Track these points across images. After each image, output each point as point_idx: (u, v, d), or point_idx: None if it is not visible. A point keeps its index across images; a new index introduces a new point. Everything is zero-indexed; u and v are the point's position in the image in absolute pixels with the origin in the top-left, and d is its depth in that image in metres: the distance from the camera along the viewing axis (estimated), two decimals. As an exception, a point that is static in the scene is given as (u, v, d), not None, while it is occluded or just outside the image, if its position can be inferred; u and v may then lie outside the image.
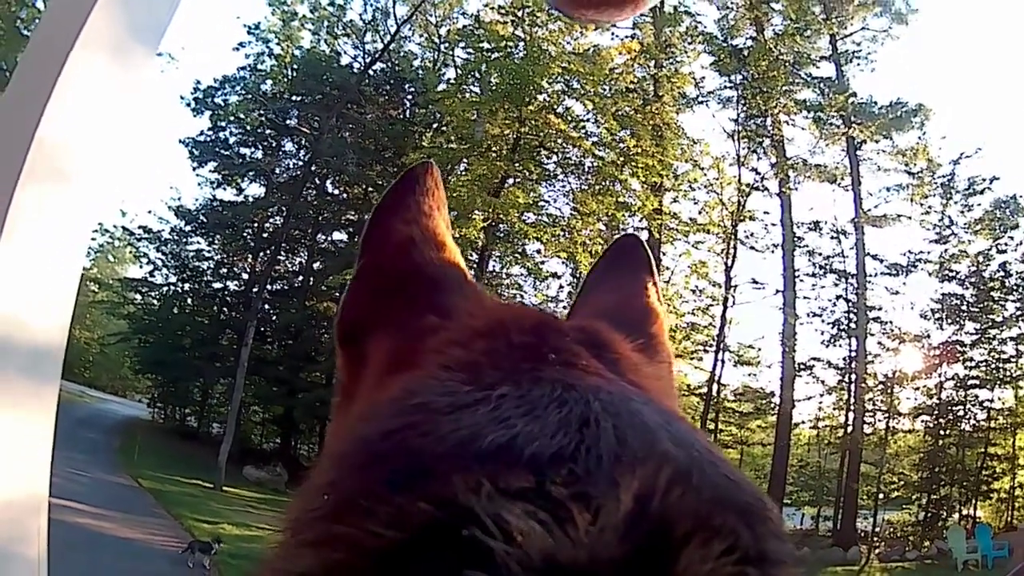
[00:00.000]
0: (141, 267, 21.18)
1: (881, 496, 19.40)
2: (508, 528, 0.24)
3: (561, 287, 16.83)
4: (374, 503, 0.27)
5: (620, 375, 0.38)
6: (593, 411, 0.30)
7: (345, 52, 19.10)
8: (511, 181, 16.30)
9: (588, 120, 17.58)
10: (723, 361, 19.07)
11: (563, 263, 16.62)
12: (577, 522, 0.25)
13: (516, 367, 0.35)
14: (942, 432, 19.47)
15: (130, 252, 22.09)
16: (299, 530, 0.30)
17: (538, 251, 16.42)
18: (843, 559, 16.76)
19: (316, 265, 18.04)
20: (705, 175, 19.20)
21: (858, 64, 22.59)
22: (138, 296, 20.96)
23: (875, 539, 18.40)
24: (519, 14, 17.67)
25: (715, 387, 18.95)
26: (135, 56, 1.50)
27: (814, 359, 20.49)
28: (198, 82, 18.54)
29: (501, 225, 16.06)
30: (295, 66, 18.59)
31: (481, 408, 0.31)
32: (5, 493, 1.35)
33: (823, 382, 20.48)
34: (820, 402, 20.93)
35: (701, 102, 20.18)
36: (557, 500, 0.26)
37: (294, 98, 18.47)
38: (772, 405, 20.34)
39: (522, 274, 16.69)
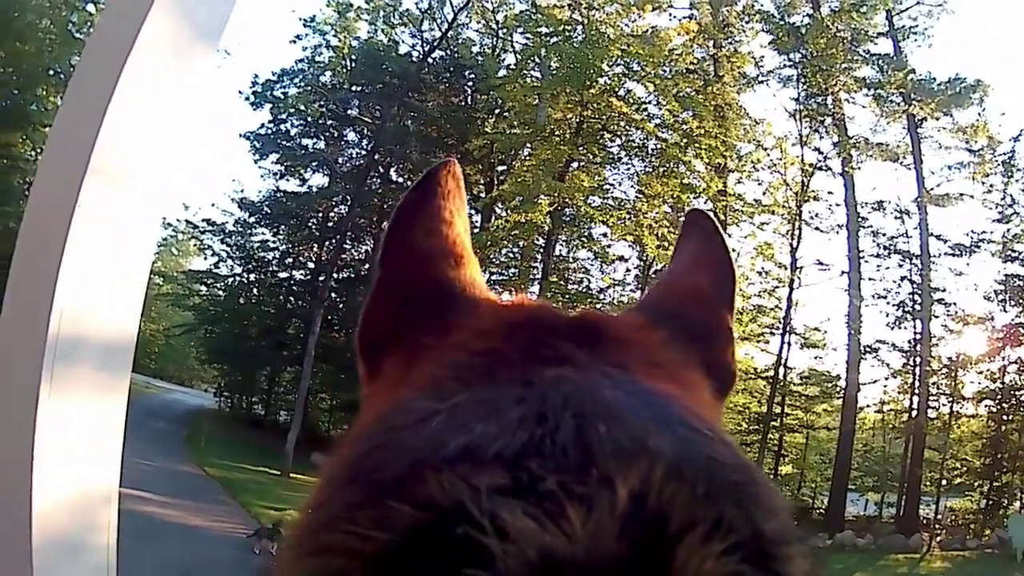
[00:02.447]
0: (206, 259, 21.73)
1: (944, 482, 18.95)
2: (503, 525, 0.24)
3: (628, 270, 16.72)
4: (358, 510, 0.28)
5: (611, 362, 0.38)
6: (550, 405, 0.31)
7: (403, 41, 19.26)
8: (575, 165, 16.20)
9: (650, 102, 17.39)
10: (789, 344, 18.77)
11: (629, 246, 16.50)
12: (571, 518, 0.25)
13: (479, 376, 0.36)
14: (1005, 417, 18.94)
15: (194, 245, 22.47)
16: (299, 544, 0.31)
17: (604, 235, 16.34)
18: (905, 546, 16.41)
19: (383, 253, 18.17)
20: (768, 155, 18.88)
21: (915, 40, 21.88)
22: (203, 288, 21.27)
23: (937, 527, 17.98)
24: (575, -3, 17.55)
25: (781, 370, 18.66)
26: (196, 54, 1.49)
27: (879, 342, 20.02)
28: (256, 76, 18.80)
29: (567, 209, 15.98)
30: (353, 57, 18.73)
31: (438, 419, 0.32)
32: (78, 485, 1.37)
33: (888, 365, 20.02)
34: (885, 386, 20.47)
35: (761, 82, 19.81)
36: (548, 495, 0.25)
37: (354, 88, 18.60)
38: (838, 388, 19.99)
39: (588, 258, 16.64)
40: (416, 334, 0.43)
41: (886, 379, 20.01)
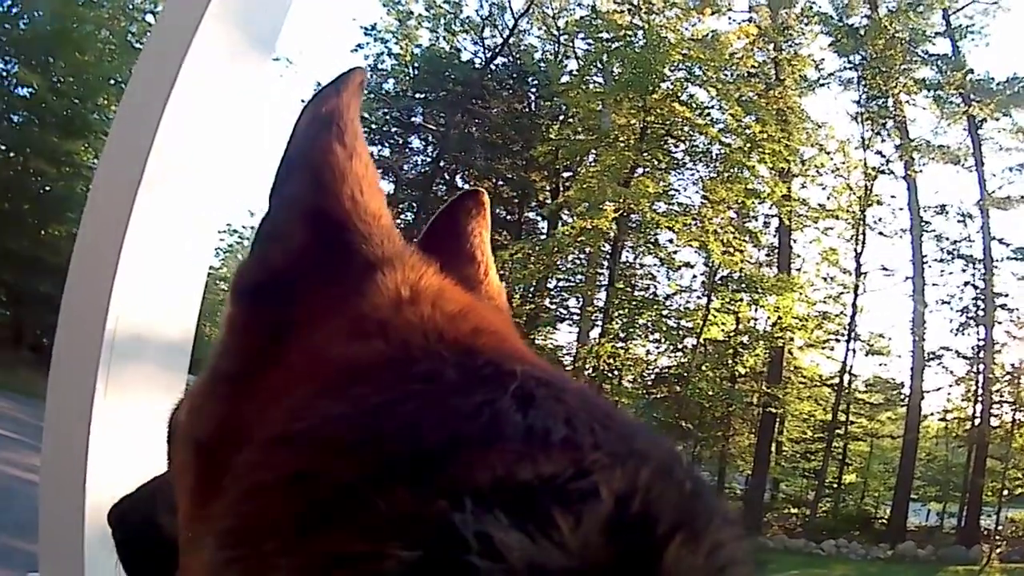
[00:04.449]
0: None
1: (1005, 492, 18.50)
2: (491, 542, 0.23)
3: (694, 276, 16.59)
4: (377, 496, 0.24)
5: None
6: (590, 407, 0.30)
7: (465, 48, 19.22)
8: (640, 170, 16.14)
9: (713, 107, 17.28)
10: (854, 351, 18.48)
11: (695, 252, 16.38)
12: (561, 528, 0.24)
13: (503, 357, 0.33)
14: (1067, 426, 18.44)
15: (259, 251, 22.65)
16: (286, 542, 0.25)
17: (670, 241, 16.24)
18: (965, 558, 16.07)
19: (449, 259, 18.28)
20: (831, 159, 18.64)
21: (972, 39, 21.48)
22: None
23: (997, 538, 17.55)
24: (635, 2, 17.49)
25: (846, 377, 18.38)
26: (251, 60, 1.50)
27: (943, 348, 19.65)
28: (318, 83, 18.84)
29: (632, 215, 15.91)
30: (416, 64, 18.78)
31: (480, 388, 0.29)
32: (132, 483, 1.34)
33: (952, 372, 19.65)
34: (949, 393, 20.08)
35: (822, 84, 19.58)
36: (541, 506, 0.24)
37: (417, 96, 18.63)
38: (902, 396, 19.64)
39: (655, 264, 16.56)
40: (362, 283, 0.37)
41: (950, 387, 19.63)
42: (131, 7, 18.31)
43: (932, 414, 20.00)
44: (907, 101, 20.73)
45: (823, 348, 17.96)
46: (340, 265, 0.39)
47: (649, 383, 16.25)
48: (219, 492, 0.32)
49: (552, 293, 16.72)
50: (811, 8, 20.10)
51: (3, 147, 18.53)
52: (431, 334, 0.34)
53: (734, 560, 0.26)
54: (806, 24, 20.00)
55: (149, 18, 19.21)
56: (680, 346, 16.46)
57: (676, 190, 16.36)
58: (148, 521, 0.54)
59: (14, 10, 18.55)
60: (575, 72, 17.03)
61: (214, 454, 0.36)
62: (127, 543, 0.58)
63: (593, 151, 16.29)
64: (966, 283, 19.70)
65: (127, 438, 1.38)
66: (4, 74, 18.32)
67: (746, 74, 18.04)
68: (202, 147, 1.44)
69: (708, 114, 17.19)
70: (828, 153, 18.60)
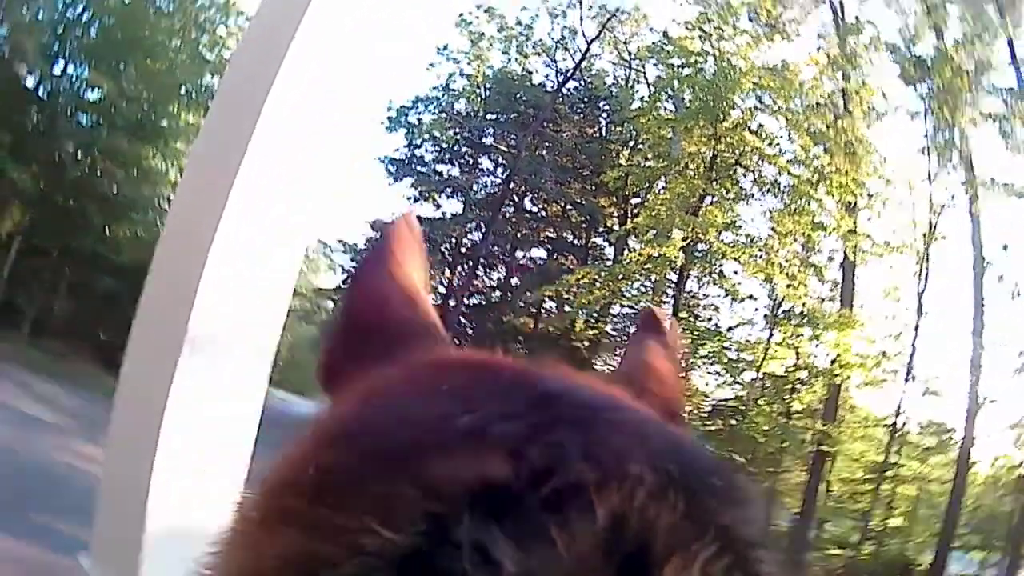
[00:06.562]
0: (336, 275, 21.77)
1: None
2: (486, 552, 0.23)
3: (756, 310, 16.40)
4: (361, 483, 0.25)
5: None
6: (592, 410, 0.30)
7: (537, 71, 19.18)
8: (709, 200, 16.01)
9: (782, 137, 17.11)
10: (909, 391, 18.20)
11: (760, 285, 16.21)
12: (556, 542, 0.24)
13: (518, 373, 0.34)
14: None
15: (325, 263, 22.68)
16: (277, 505, 0.27)
17: (735, 272, 16.09)
18: None
19: (514, 281, 18.29)
20: (897, 193, 18.39)
21: (1038, 70, 21.07)
22: (331, 304, 21.56)
23: None
24: (705, 29, 17.37)
25: (901, 419, 18.10)
26: (340, 79, 1.52)
27: (999, 392, 19.27)
28: (390, 101, 18.99)
29: (699, 245, 15.78)
30: (487, 85, 18.84)
31: (444, 393, 0.30)
32: (207, 488, 1.38)
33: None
34: (1000, 440, 19.72)
35: (890, 116, 19.33)
36: (536, 518, 0.24)
37: (489, 117, 18.71)
38: (954, 440, 19.32)
39: (719, 295, 16.41)
40: (372, 365, 0.41)
41: (1001, 432, 19.28)
42: (203, 19, 18.54)
43: (982, 460, 19.66)
44: (973, 135, 20.42)
45: (880, 387, 17.69)
46: (365, 361, 0.42)
47: (704, 415, 16.12)
48: None
49: (616, 319, 16.67)
50: (879, 37, 19.87)
51: (71, 148, 18.83)
52: (454, 364, 0.37)
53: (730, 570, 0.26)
54: (874, 51, 19.77)
55: (221, 30, 19.36)
56: (738, 379, 16.31)
57: (744, 221, 16.22)
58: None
59: (85, 16, 18.85)
60: (646, 98, 16.96)
61: None
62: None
63: (663, 178, 16.19)
64: (1024, 326, 19.34)
65: (201, 446, 1.40)
66: (74, 78, 18.62)
67: (815, 104, 17.84)
68: (295, 157, 1.45)
69: (777, 144, 17.03)
70: (894, 186, 18.33)
